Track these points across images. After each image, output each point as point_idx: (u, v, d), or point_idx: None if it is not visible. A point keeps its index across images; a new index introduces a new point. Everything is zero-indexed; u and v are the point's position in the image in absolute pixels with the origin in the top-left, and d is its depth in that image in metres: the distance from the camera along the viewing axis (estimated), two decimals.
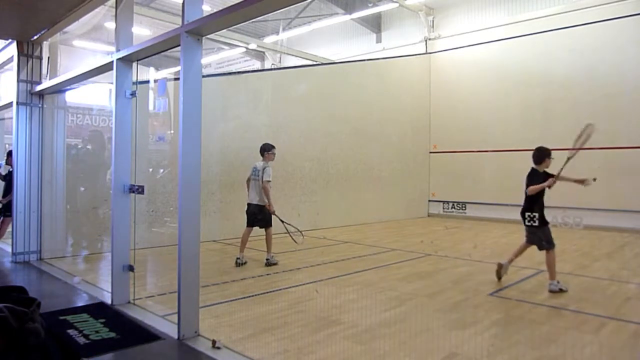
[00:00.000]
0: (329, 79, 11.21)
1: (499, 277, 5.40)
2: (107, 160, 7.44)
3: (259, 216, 6.31)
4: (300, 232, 6.45)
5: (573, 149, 5.38)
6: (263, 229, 6.36)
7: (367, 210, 11.37)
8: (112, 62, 4.39)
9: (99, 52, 12.98)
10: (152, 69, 11.26)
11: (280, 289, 5.10)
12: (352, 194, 11.04)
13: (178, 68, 3.64)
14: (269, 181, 6.22)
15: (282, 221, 6.37)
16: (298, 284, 5.30)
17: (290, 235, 6.38)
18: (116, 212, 4.32)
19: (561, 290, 4.98)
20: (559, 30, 11.13)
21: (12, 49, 6.46)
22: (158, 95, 6.18)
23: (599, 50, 10.61)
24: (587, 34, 10.72)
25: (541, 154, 5.65)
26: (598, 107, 10.61)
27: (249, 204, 6.42)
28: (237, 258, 6.27)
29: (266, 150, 6.44)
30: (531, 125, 11.59)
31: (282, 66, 16.50)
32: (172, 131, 7.53)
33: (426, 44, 13.76)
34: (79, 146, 7.61)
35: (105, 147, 7.53)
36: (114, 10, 4.49)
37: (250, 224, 6.39)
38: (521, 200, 12.27)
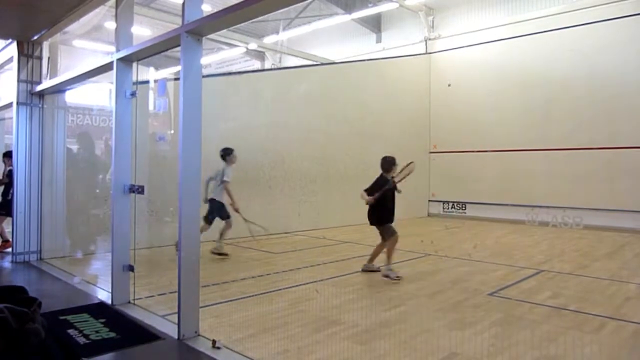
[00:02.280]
0: (329, 79, 11.20)
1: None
2: (99, 160, 7.46)
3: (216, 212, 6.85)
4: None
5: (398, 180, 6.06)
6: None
7: (367, 210, 11.34)
8: (112, 62, 4.39)
9: (99, 52, 12.98)
10: (152, 69, 11.26)
11: (280, 289, 5.10)
12: (352, 194, 10.98)
13: (178, 68, 3.64)
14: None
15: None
16: (298, 284, 5.31)
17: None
18: (116, 212, 4.33)
19: (398, 278, 5.47)
20: (559, 31, 11.13)
21: (12, 49, 6.46)
22: (158, 95, 6.18)
23: (599, 51, 10.61)
24: (588, 34, 10.72)
25: (390, 163, 6.06)
26: (598, 107, 10.62)
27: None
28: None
29: (228, 154, 6.98)
30: (531, 125, 11.60)
31: (282, 66, 16.50)
32: (172, 131, 7.53)
33: (426, 44, 13.76)
34: (77, 147, 7.59)
35: (94, 148, 7.54)
36: (114, 10, 4.49)
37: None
38: (520, 200, 12.27)
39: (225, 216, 6.80)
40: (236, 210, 6.78)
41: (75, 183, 6.97)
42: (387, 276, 5.55)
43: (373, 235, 6.99)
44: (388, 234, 5.87)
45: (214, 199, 6.75)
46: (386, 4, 13.66)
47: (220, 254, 6.78)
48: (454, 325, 3.93)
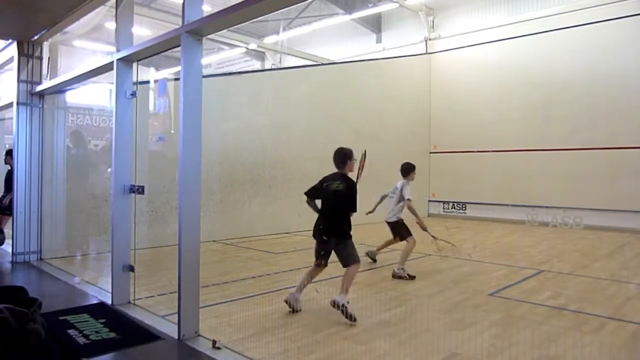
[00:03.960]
0: (329, 79, 11.20)
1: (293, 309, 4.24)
2: (93, 159, 7.45)
3: (395, 232, 6.25)
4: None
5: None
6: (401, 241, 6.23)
7: (367, 210, 11.35)
8: (112, 62, 4.39)
9: (99, 52, 12.98)
10: (152, 69, 11.27)
11: (280, 289, 5.10)
12: None
13: (178, 68, 3.64)
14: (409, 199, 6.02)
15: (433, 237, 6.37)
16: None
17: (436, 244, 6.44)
18: (116, 212, 4.32)
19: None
20: (560, 31, 11.13)
21: (13, 49, 6.46)
22: (158, 95, 6.19)
23: (600, 51, 10.61)
24: (588, 34, 10.72)
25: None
26: (599, 107, 10.62)
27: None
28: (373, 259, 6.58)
29: (411, 170, 6.31)
30: (532, 125, 11.60)
31: (282, 66, 16.50)
32: (173, 131, 7.53)
33: (426, 44, 13.76)
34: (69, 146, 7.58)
35: (87, 146, 7.52)
36: (114, 10, 4.49)
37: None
38: (520, 200, 12.21)
39: (406, 235, 6.08)
40: (424, 229, 6.01)
41: (74, 183, 6.97)
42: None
43: (373, 235, 7.01)
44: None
45: (389, 222, 6.20)
46: (386, 4, 13.66)
47: (407, 276, 5.69)
48: (454, 325, 3.93)
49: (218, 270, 5.99)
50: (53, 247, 6.50)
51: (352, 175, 4.61)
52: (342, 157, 4.53)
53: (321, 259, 4.31)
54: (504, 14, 12.46)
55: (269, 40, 16.73)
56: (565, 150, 11.06)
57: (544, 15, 11.49)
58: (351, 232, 4.29)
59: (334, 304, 3.98)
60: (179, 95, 3.48)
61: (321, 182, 4.53)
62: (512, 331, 3.80)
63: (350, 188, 4.35)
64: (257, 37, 16.30)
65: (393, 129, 12.29)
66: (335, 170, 4.53)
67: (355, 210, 4.34)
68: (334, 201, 4.32)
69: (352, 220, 4.33)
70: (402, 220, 6.14)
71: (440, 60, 13.54)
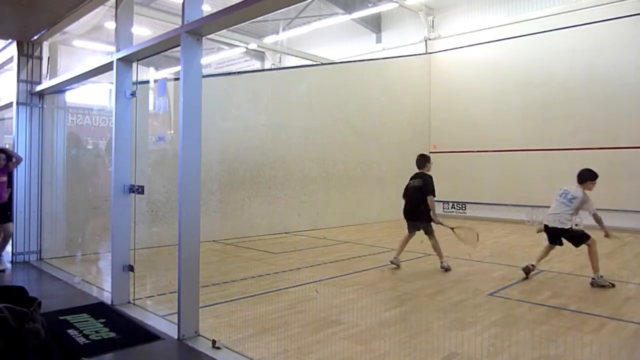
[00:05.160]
0: (329, 79, 11.20)
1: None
2: (90, 159, 7.45)
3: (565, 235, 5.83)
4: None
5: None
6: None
7: (367, 210, 11.36)
8: (112, 62, 4.39)
9: (99, 52, 12.97)
10: (152, 69, 11.26)
11: (280, 289, 5.10)
12: (352, 194, 11.03)
13: (178, 68, 3.64)
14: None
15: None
16: (298, 284, 5.30)
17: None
18: (116, 212, 4.32)
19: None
20: (559, 31, 11.13)
21: (12, 49, 6.46)
22: (158, 95, 6.18)
23: (599, 51, 10.60)
24: (588, 34, 10.71)
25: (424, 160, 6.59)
26: (598, 107, 10.61)
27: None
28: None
29: (589, 179, 6.13)
30: (531, 125, 11.59)
31: (282, 66, 16.50)
32: (172, 131, 7.52)
33: (426, 44, 13.75)
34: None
35: (84, 147, 7.51)
36: (114, 10, 4.49)
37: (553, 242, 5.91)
38: (520, 200, 12.18)
39: (584, 239, 5.77)
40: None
41: (74, 183, 6.96)
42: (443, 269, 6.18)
43: (373, 235, 7.00)
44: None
45: (563, 228, 5.80)
46: (386, 4, 13.66)
47: (610, 284, 5.32)
48: (454, 325, 3.93)
49: (218, 270, 5.99)
50: (53, 247, 6.50)
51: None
52: (422, 160, 6.58)
53: (411, 231, 6.51)
54: (504, 14, 12.45)
55: (269, 40, 16.72)
56: (564, 150, 11.06)
57: (543, 15, 11.48)
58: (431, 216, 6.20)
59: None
60: (179, 95, 3.48)
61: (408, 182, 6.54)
62: (512, 331, 3.80)
63: (424, 182, 6.27)
64: (257, 37, 16.30)
65: (393, 129, 12.29)
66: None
67: (430, 194, 6.20)
68: (413, 194, 6.35)
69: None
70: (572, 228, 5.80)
71: (439, 60, 13.53)
